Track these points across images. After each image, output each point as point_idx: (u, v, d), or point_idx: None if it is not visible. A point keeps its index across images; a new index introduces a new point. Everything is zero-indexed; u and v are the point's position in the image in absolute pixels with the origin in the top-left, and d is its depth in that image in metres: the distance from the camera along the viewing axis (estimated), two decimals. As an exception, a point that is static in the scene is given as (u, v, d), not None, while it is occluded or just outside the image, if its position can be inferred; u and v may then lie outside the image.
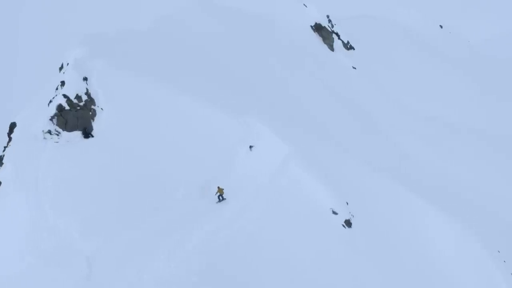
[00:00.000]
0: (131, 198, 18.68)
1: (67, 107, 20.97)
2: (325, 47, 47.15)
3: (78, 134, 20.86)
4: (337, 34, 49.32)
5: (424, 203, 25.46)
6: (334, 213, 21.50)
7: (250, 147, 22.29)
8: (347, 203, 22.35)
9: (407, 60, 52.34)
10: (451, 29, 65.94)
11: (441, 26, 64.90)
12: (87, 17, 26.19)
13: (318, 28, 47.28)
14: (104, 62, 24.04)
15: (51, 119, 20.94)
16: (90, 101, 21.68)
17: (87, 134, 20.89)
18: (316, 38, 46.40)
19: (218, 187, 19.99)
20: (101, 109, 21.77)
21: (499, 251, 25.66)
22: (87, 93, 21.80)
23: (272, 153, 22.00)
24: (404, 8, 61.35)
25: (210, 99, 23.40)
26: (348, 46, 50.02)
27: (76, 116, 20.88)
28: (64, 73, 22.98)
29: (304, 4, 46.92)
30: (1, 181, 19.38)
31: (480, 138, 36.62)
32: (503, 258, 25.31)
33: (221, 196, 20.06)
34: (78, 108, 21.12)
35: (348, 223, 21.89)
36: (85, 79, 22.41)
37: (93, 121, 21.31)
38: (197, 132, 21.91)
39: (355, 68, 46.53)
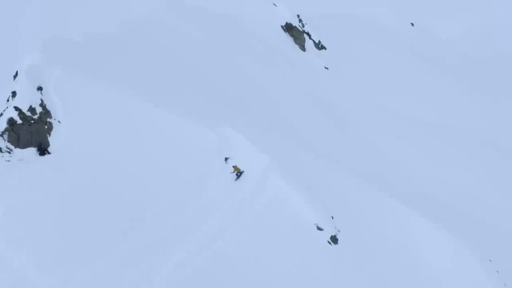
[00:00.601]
0: (96, 223, 16.51)
1: (19, 121, 18.63)
2: (297, 47, 45.87)
3: (32, 151, 18.53)
4: (308, 33, 48.01)
5: (410, 212, 24.01)
6: (319, 229, 19.76)
7: (226, 159, 20.36)
8: (332, 217, 20.64)
9: (380, 59, 51.36)
10: (422, 27, 65.39)
11: (412, 24, 64.22)
12: (46, 19, 24.08)
13: (288, 28, 45.80)
14: (63, 68, 21.62)
15: (1, 135, 18.57)
16: (46, 113, 19.32)
17: (43, 150, 18.60)
18: (287, 38, 44.92)
19: (234, 166, 19.07)
20: (59, 122, 19.47)
21: (490, 260, 24.32)
22: (42, 105, 19.40)
23: (250, 164, 20.12)
24: (374, 6, 60.34)
25: (182, 107, 21.37)
26: (319, 46, 48.77)
27: (30, 131, 18.55)
28: (16, 82, 20.62)
29: (274, 4, 45.42)
30: None
31: (461, 137, 35.31)
32: (495, 268, 23.95)
33: (238, 173, 19.16)
34: (32, 121, 18.76)
35: (334, 239, 20.15)
36: (40, 88, 20.05)
37: (49, 136, 18.96)
38: (169, 145, 19.81)
39: (327, 68, 45.35)
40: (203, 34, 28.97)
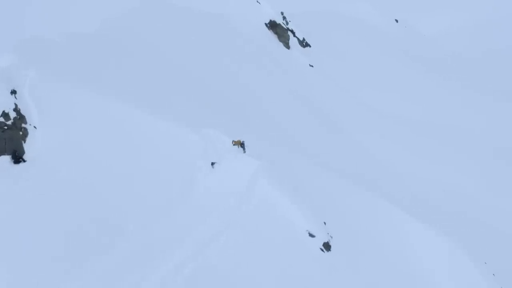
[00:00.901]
0: (74, 237, 15.37)
1: (-9, 127, 17.48)
2: (281, 45, 45.17)
3: (6, 159, 17.27)
4: (292, 31, 47.27)
5: (404, 214, 23.29)
6: (311, 235, 18.89)
7: (212, 164, 19.35)
8: (325, 223, 19.77)
9: (365, 56, 50.92)
10: (406, 23, 65.13)
11: (396, 21, 63.92)
12: (21, 17, 22.83)
13: (273, 25, 44.96)
14: (39, 71, 20.30)
15: (-28, 143, 17.42)
16: (20, 118, 18.06)
17: (18, 158, 17.41)
18: (271, 35, 44.13)
19: (234, 141, 18.48)
20: (34, 127, 18.25)
21: (486, 263, 23.71)
22: (16, 109, 18.15)
23: (239, 169, 19.15)
24: (358, 2, 59.85)
25: (166, 109, 20.29)
26: (304, 43, 48.09)
27: (3, 138, 17.30)
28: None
29: (257, 1, 44.59)
30: None
31: (452, 137, 34.66)
32: (491, 271, 23.33)
33: (241, 145, 18.72)
34: (6, 127, 17.55)
35: (327, 246, 19.27)
36: (14, 92, 18.79)
37: (24, 142, 17.74)
38: (151, 150, 18.70)
39: (312, 66, 44.73)
40: (188, 33, 27.83)
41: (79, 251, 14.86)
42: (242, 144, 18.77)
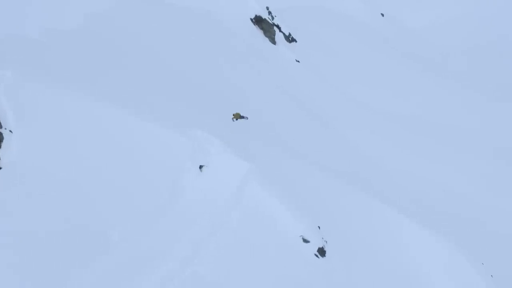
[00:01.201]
0: (54, 249, 14.38)
1: (-36, 132, 16.37)
2: (267, 40, 44.37)
3: (-21, 166, 16.28)
4: (278, 26, 46.45)
5: (399, 215, 22.53)
6: (305, 241, 18.05)
7: (201, 167, 18.36)
8: (319, 227, 18.91)
9: (351, 51, 50.18)
10: (392, 17, 64.55)
11: (382, 15, 63.25)
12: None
13: (258, 20, 44.02)
14: (16, 71, 19.11)
15: None
16: (-5, 122, 17.06)
17: (-8, 165, 16.35)
18: (257, 31, 43.21)
19: (235, 114, 17.30)
20: (10, 131, 17.12)
21: (483, 263, 23.01)
22: (-9, 112, 17.12)
23: (228, 172, 18.17)
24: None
25: (151, 109, 19.22)
26: (290, 39, 47.27)
27: (-23, 143, 16.30)
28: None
29: (242, -5, 43.63)
30: None
31: (450, 135, 33.93)
32: (489, 272, 22.63)
33: (242, 117, 17.30)
34: (-21, 132, 16.52)
35: (321, 252, 18.43)
36: (-13, 94, 17.69)
37: (-1, 148, 16.73)
38: (136, 155, 17.66)
39: (298, 61, 43.95)
40: (174, 29, 26.66)
41: (59, 264, 13.85)
42: (241, 116, 17.86)
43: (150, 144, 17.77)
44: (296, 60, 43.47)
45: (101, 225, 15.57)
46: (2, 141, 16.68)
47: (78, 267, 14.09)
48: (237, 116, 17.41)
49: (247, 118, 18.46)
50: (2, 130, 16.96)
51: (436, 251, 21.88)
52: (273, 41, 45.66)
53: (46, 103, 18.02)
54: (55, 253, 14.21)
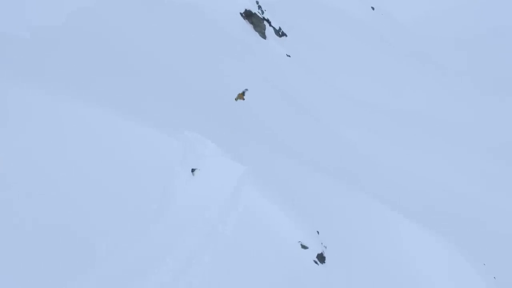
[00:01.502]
0: (37, 261, 13.32)
1: None
2: (257, 35, 43.62)
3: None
4: (268, 20, 45.79)
5: (398, 216, 21.74)
6: (304, 247, 17.13)
7: (193, 170, 17.33)
8: (318, 232, 17.99)
9: (342, 45, 49.57)
10: (382, 10, 63.95)
11: (372, 8, 62.60)
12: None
13: (248, 15, 43.24)
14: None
15: None
16: (-30, 125, 15.91)
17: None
18: (247, 25, 42.31)
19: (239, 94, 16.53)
20: (-10, 135, 16.05)
21: (484, 264, 22.30)
22: (-34, 115, 15.97)
23: (222, 176, 17.18)
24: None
25: (139, 109, 18.15)
26: (280, 33, 46.55)
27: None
28: None
29: (232, -10, 42.73)
30: None
31: (450, 133, 33.13)
32: (492, 274, 21.90)
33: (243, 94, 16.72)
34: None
35: (321, 258, 17.52)
36: (-37, 95, 16.52)
37: (-25, 153, 15.58)
38: (122, 158, 16.59)
39: (289, 56, 43.28)
40: (162, 24, 25.53)
41: (42, 278, 12.78)
42: (243, 94, 17.14)
43: (138, 147, 16.71)
44: (287, 55, 42.71)
45: (88, 235, 14.48)
46: (-21, 146, 15.49)
47: (64, 279, 13.02)
48: (241, 97, 16.79)
49: (247, 90, 18.14)
50: (-20, 134, 15.78)
51: (436, 251, 21.28)
52: (263, 36, 44.78)
53: (26, 104, 16.85)
54: (38, 266, 13.12)
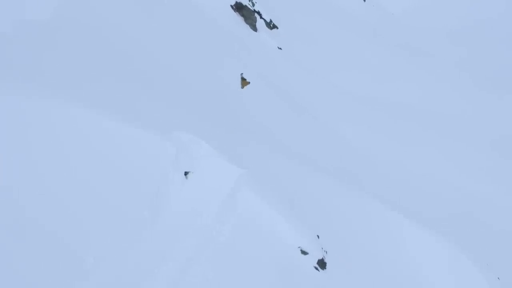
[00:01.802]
0: (21, 274, 12.39)
1: None
2: (248, 27, 42.80)
3: None
4: (258, 13, 44.99)
5: (399, 216, 20.97)
6: (304, 253, 16.28)
7: (186, 173, 16.38)
8: (318, 236, 17.16)
9: (334, 37, 48.79)
10: (373, 1, 63.26)
11: (364, 0, 61.90)
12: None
13: (239, 7, 42.30)
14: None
15: None
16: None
17: None
18: (237, 18, 41.43)
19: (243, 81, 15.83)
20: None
21: (487, 264, 21.64)
22: None
23: (218, 179, 16.25)
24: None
25: (128, 109, 17.12)
26: (271, 25, 45.78)
27: None
28: None
29: (223, -17, 41.70)
30: None
31: (448, 127, 32.42)
32: (496, 274, 21.24)
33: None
34: None
35: (322, 264, 16.69)
36: None
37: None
38: (111, 160, 15.60)
39: (280, 48, 42.53)
40: (152, 18, 24.36)
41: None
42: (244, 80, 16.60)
43: (128, 150, 15.76)
44: (279, 47, 41.94)
45: (75, 245, 13.55)
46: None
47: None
48: (245, 83, 16.22)
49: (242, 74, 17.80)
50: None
51: (437, 252, 20.58)
52: (254, 28, 43.93)
53: (6, 105, 15.76)
54: (22, 280, 12.20)
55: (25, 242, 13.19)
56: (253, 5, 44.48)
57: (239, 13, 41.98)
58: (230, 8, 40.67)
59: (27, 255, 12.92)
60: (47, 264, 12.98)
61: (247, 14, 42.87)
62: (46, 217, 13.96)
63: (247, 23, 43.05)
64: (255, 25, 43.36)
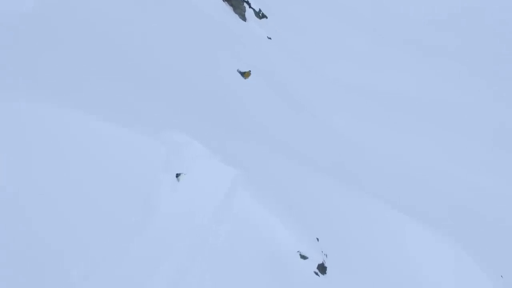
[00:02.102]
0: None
1: None
2: (237, 17, 41.94)
3: None
4: (247, 2, 44.22)
5: (400, 215, 20.23)
6: (303, 257, 15.46)
7: (177, 175, 15.40)
8: (318, 239, 16.33)
9: (324, 27, 48.03)
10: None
11: (354, -11, 61.12)
12: None
13: (227, -3, 41.55)
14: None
15: None
16: None
17: None
18: (226, 7, 40.53)
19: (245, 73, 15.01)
20: None
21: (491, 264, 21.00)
22: None
23: (212, 181, 15.32)
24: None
25: (119, 109, 16.08)
26: (260, 15, 45.02)
27: None
28: None
29: (209, -28, 40.59)
30: None
31: (448, 119, 31.66)
32: (499, 272, 20.61)
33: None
34: None
35: (322, 269, 15.88)
36: None
37: None
38: (97, 163, 14.60)
39: (270, 38, 41.80)
40: (145, 13, 23.16)
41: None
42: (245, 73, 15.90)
43: (116, 151, 14.75)
44: (268, 37, 41.14)
45: (54, 259, 12.57)
46: None
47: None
48: (247, 74, 15.51)
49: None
50: None
51: (439, 251, 19.94)
52: (243, 18, 43.00)
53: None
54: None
55: (11, 248, 12.23)
56: (242, -6, 43.62)
57: (228, 3, 41.06)
58: (220, -1, 39.76)
59: (11, 262, 11.95)
60: (30, 275, 12.02)
61: (236, 4, 41.92)
62: (34, 221, 13.00)
63: (236, 12, 42.11)
64: (244, 14, 42.50)
